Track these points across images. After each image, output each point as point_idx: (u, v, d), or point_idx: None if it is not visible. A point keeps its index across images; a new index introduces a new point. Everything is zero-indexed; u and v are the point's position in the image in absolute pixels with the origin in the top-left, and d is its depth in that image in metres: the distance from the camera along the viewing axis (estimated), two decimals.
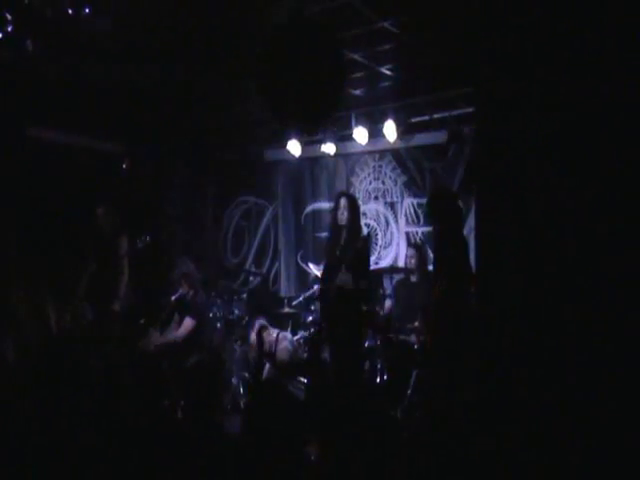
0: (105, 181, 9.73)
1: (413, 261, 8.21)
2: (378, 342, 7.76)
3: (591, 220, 4.57)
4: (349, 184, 9.96)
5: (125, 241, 8.63)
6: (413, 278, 8.23)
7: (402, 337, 7.69)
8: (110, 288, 8.44)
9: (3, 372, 6.93)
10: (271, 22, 6.17)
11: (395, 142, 8.84)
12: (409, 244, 8.92)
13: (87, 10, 5.89)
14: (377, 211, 9.68)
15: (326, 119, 6.93)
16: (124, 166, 10.09)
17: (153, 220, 10.26)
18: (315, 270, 8.56)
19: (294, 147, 9.66)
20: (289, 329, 9.03)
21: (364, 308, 7.37)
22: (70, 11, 5.87)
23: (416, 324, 7.53)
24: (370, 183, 9.76)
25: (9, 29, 5.91)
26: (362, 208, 9.18)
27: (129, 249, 8.62)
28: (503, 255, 5.09)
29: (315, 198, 10.43)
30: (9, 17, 5.94)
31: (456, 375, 6.19)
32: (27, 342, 7.52)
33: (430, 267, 8.23)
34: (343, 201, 7.19)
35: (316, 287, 8.58)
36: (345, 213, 7.15)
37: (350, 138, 9.06)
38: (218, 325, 9.02)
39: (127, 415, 4.70)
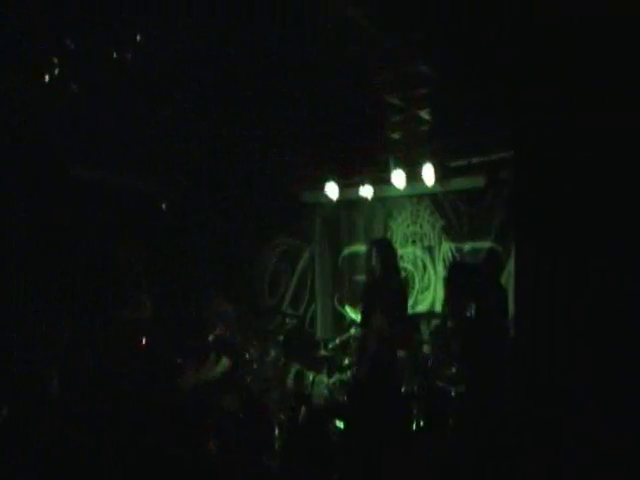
0: (140, 222, 9.83)
1: (450, 306, 8.15)
2: (415, 388, 7.69)
3: (630, 264, 4.54)
4: (387, 228, 9.95)
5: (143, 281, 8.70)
6: (450, 323, 8.15)
7: (439, 384, 7.60)
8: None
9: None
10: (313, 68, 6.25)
11: (433, 186, 8.83)
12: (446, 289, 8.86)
13: (131, 54, 6.02)
14: (415, 255, 9.65)
15: (365, 161, 6.98)
16: (163, 207, 10.20)
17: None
18: (352, 313, 8.54)
19: (332, 190, 9.69)
20: (325, 372, 8.98)
21: (400, 353, 7.34)
22: (115, 54, 6.00)
23: (454, 370, 7.45)
24: (408, 227, 9.75)
25: (55, 72, 6.05)
26: (399, 252, 9.16)
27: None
28: (543, 303, 5.07)
29: (352, 241, 10.44)
30: (55, 61, 6.09)
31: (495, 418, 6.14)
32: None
33: (468, 313, 8.18)
34: (375, 251, 7.20)
35: (352, 331, 8.55)
36: (377, 262, 7.15)
37: (388, 181, 9.07)
38: (254, 366, 8.99)
39: (167, 452, 4.71)
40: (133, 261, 8.72)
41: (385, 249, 7.28)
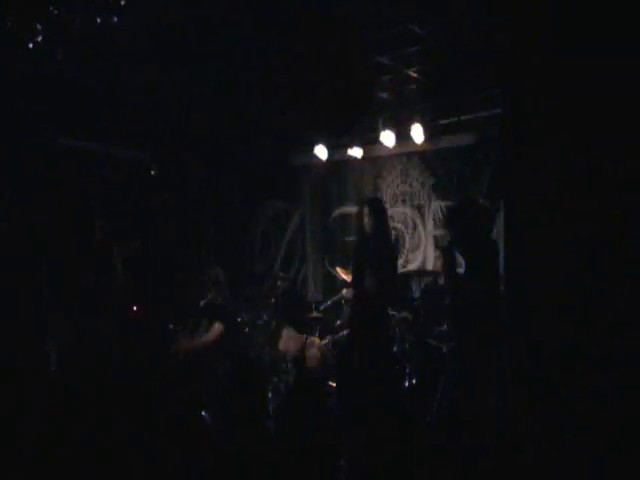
0: (126, 188, 9.80)
1: (439, 264, 8.17)
2: (407, 346, 7.72)
3: (621, 221, 4.53)
4: (376, 187, 9.93)
5: (115, 250, 8.72)
6: (441, 281, 8.17)
7: (430, 341, 7.64)
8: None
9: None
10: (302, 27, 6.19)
11: (422, 145, 8.82)
12: (437, 247, 8.88)
13: (116, 19, 5.94)
14: (404, 214, 9.64)
15: (354, 122, 6.93)
16: (152, 172, 10.15)
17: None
18: (342, 274, 8.54)
19: (321, 151, 9.66)
20: (317, 334, 9.01)
21: (392, 312, 7.35)
22: (98, 19, 5.92)
23: (445, 327, 7.49)
24: (397, 186, 9.73)
25: (39, 39, 5.97)
26: (389, 211, 9.15)
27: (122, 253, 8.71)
28: (532, 258, 5.06)
29: (342, 202, 10.42)
30: (39, 27, 6.00)
31: (484, 378, 6.16)
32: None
33: (458, 270, 8.20)
34: (366, 210, 7.15)
35: (344, 291, 8.56)
36: (369, 221, 7.11)
37: (377, 141, 9.04)
38: (246, 330, 9.01)
39: (160, 421, 4.71)
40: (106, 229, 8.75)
41: (375, 208, 7.25)
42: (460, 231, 6.62)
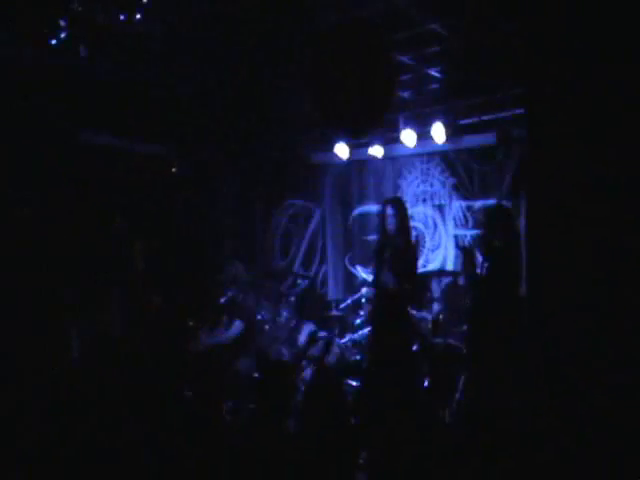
0: (148, 184, 9.86)
1: (460, 264, 8.17)
2: (427, 345, 7.73)
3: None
4: (396, 187, 9.92)
5: (139, 244, 8.76)
6: (460, 281, 8.16)
7: (450, 341, 7.64)
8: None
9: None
10: (323, 25, 6.21)
11: (443, 144, 8.80)
12: (457, 247, 8.87)
13: (139, 15, 5.98)
14: (425, 214, 9.63)
15: (376, 122, 6.93)
16: (173, 169, 10.20)
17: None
18: (363, 273, 8.57)
19: (342, 150, 9.67)
20: (337, 332, 9.03)
21: (412, 312, 7.36)
22: (122, 16, 5.96)
23: (465, 327, 7.48)
24: (418, 186, 9.71)
25: (63, 36, 6.02)
26: (410, 211, 9.15)
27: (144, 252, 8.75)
28: (553, 257, 5.06)
29: (362, 201, 10.42)
30: (62, 24, 6.05)
31: (504, 378, 6.16)
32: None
33: (478, 270, 8.19)
34: (390, 209, 7.14)
35: (364, 290, 8.57)
36: (392, 221, 7.11)
37: (398, 141, 9.03)
38: (266, 327, 9.05)
39: (178, 418, 4.74)
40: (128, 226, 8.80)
41: (397, 208, 7.25)
42: (499, 233, 6.62)
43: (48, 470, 4.09)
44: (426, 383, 7.54)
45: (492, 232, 6.75)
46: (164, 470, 4.05)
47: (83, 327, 8.10)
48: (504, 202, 8.36)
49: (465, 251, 8.36)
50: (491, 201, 8.70)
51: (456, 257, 8.44)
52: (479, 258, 8.45)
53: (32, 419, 4.92)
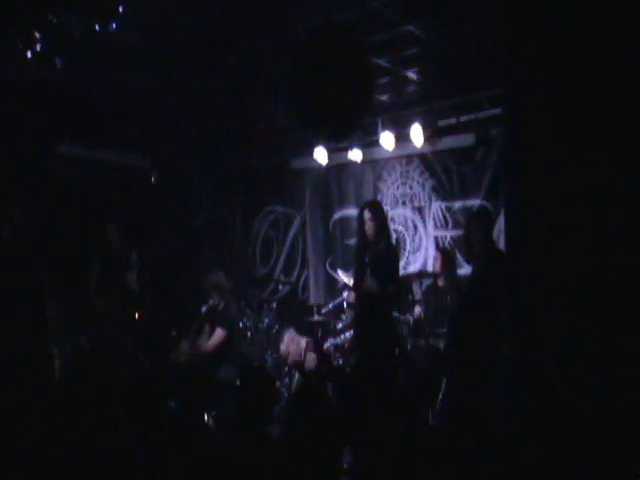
0: (128, 195, 9.82)
1: (438, 265, 8.18)
2: (409, 348, 7.73)
3: (622, 222, 4.53)
4: (376, 190, 9.92)
5: (134, 254, 8.71)
6: (440, 282, 8.17)
7: (432, 342, 7.64)
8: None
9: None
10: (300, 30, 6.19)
11: (422, 146, 8.81)
12: (437, 248, 8.89)
13: (114, 25, 5.94)
14: (405, 216, 9.63)
15: (355, 126, 6.92)
16: (152, 180, 10.16)
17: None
18: (344, 277, 8.54)
19: (321, 155, 9.66)
20: (319, 337, 9.01)
21: (394, 314, 7.35)
22: (97, 27, 5.92)
23: (446, 329, 7.48)
24: (398, 188, 9.72)
25: (38, 48, 5.97)
26: (390, 214, 9.16)
27: (138, 262, 8.69)
28: (533, 257, 5.06)
29: (342, 205, 10.41)
30: (38, 36, 6.00)
31: (486, 379, 6.17)
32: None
33: (458, 271, 8.21)
34: (367, 213, 7.14)
35: (345, 294, 8.55)
36: (371, 224, 7.11)
37: (377, 144, 9.05)
38: (248, 335, 9.01)
39: (161, 425, 4.70)
40: (121, 234, 8.73)
41: (375, 211, 7.25)
42: (480, 235, 6.62)
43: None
44: (409, 385, 7.54)
45: (474, 234, 6.74)
46: (146, 476, 4.02)
47: (67, 341, 8.04)
48: (485, 203, 8.40)
49: (444, 252, 8.39)
50: (471, 202, 8.72)
51: (434, 258, 8.45)
52: (459, 259, 8.52)
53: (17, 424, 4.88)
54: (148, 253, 9.01)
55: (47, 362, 7.42)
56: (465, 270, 8.22)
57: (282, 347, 8.75)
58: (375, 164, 9.94)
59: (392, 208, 9.61)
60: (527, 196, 5.18)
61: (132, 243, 8.83)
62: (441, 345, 7.52)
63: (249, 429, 4.38)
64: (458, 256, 8.62)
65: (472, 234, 6.67)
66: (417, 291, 8.68)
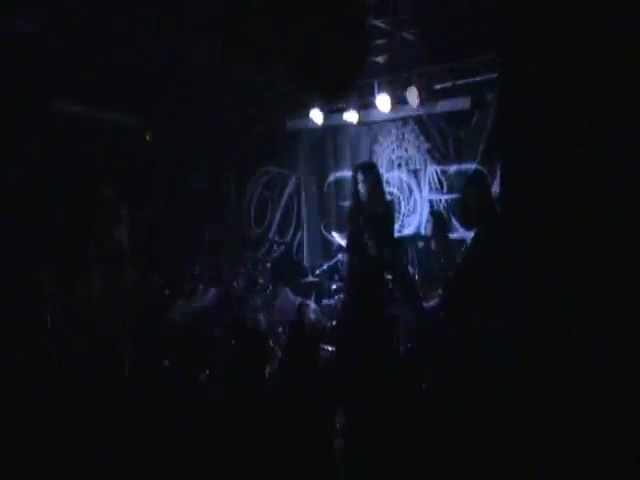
0: (125, 154, 9.82)
1: (429, 228, 8.22)
2: (402, 310, 7.78)
3: (612, 180, 4.57)
4: (372, 152, 9.91)
5: (124, 211, 8.74)
6: (432, 245, 8.20)
7: (425, 304, 7.69)
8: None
9: None
10: None
11: (418, 109, 8.80)
12: (430, 212, 8.92)
13: None
14: (400, 179, 9.63)
15: (350, 87, 6.91)
16: (147, 139, 10.15)
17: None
18: (339, 239, 8.57)
19: (316, 116, 9.64)
20: (313, 298, 9.06)
21: (388, 276, 7.39)
22: None
23: (439, 291, 7.52)
24: (393, 151, 9.71)
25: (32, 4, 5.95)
26: (385, 176, 9.14)
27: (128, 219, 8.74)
28: (528, 219, 5.10)
29: (338, 167, 10.39)
30: None
31: (480, 341, 6.22)
32: None
33: (450, 235, 8.23)
34: (361, 175, 7.16)
35: (340, 256, 8.59)
36: (365, 186, 7.12)
37: (373, 106, 9.03)
38: (242, 295, 9.07)
39: (156, 386, 4.76)
40: (114, 193, 8.76)
41: (370, 173, 7.25)
42: (477, 201, 6.62)
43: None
44: (401, 347, 7.60)
45: (471, 201, 6.75)
46: (145, 439, 4.07)
47: (64, 301, 8.08)
48: (479, 167, 8.40)
49: (435, 216, 8.41)
50: (466, 166, 8.72)
51: (427, 221, 8.48)
52: (454, 223, 8.54)
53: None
54: (140, 211, 9.02)
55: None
56: (459, 234, 8.26)
57: (276, 306, 8.80)
58: (371, 126, 9.91)
59: (387, 171, 9.60)
60: (521, 159, 5.22)
61: (123, 200, 8.87)
62: (432, 306, 7.57)
63: (242, 387, 4.44)
64: (453, 220, 8.65)
65: (469, 200, 6.69)
66: (412, 254, 8.72)
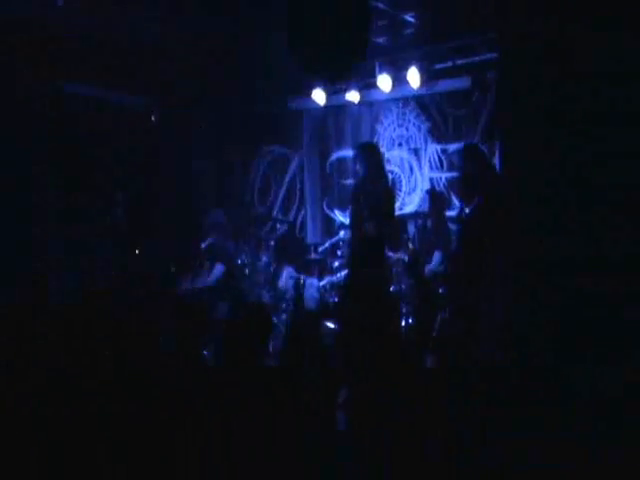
0: (130, 135, 9.93)
1: (427, 206, 8.31)
2: (402, 286, 7.90)
3: (607, 159, 4.70)
4: (373, 132, 9.99)
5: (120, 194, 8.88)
6: (429, 223, 8.31)
7: (428, 282, 7.81)
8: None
9: None
10: None
11: (419, 89, 8.91)
12: (427, 191, 9.00)
13: None
14: (401, 158, 9.72)
15: (352, 66, 6.99)
16: (152, 119, 10.23)
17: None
18: (341, 217, 8.68)
19: (319, 96, 9.75)
20: (316, 275, 9.18)
21: (388, 253, 7.50)
22: None
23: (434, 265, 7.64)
24: (394, 130, 9.80)
25: None
26: (386, 155, 9.23)
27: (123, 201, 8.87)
28: (528, 196, 5.22)
29: (340, 146, 10.48)
30: None
31: (480, 315, 6.34)
32: None
33: (448, 212, 8.32)
34: (363, 154, 7.29)
35: (342, 233, 8.70)
36: (366, 165, 7.24)
37: (374, 86, 9.16)
38: (246, 272, 9.19)
39: (160, 361, 4.83)
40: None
41: (371, 152, 7.37)
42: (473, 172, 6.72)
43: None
44: (404, 322, 7.72)
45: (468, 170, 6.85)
46: (148, 414, 4.12)
47: (67, 278, 8.22)
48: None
49: (433, 194, 8.50)
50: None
51: (423, 200, 8.60)
52: (454, 201, 8.63)
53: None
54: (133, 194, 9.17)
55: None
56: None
57: (280, 283, 8.92)
58: (372, 106, 9.99)
59: (388, 149, 9.69)
60: (520, 137, 5.34)
61: (118, 182, 9.02)
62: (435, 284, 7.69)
63: (244, 361, 4.52)
64: (453, 198, 8.75)
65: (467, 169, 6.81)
66: (412, 231, 8.85)
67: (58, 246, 8.54)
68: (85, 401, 4.03)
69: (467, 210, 6.84)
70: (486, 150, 8.32)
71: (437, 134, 9.27)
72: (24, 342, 4.99)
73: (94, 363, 4.50)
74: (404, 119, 9.65)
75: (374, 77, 9.01)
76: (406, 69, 8.61)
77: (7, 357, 4.52)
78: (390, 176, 9.03)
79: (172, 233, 9.84)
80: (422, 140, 9.46)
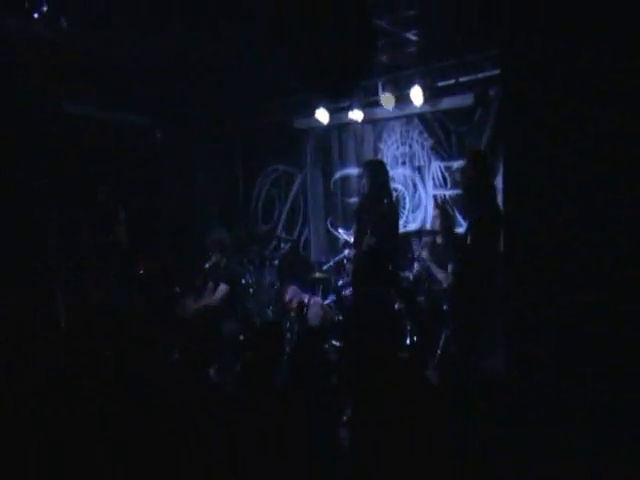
0: (132, 154, 9.96)
1: (437, 222, 8.29)
2: (406, 304, 7.87)
3: (616, 176, 4.69)
4: (377, 150, 10.01)
5: (121, 211, 8.89)
6: (439, 240, 8.29)
7: (431, 299, 7.78)
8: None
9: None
10: None
11: (422, 107, 8.93)
12: (435, 206, 8.99)
13: None
14: (405, 176, 9.73)
15: (355, 86, 7.01)
16: (158, 135, 10.27)
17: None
18: (345, 235, 8.68)
19: (322, 115, 9.78)
20: (320, 293, 9.17)
21: (390, 269, 7.48)
22: None
23: (444, 285, 7.61)
24: (397, 148, 9.81)
25: (44, 8, 6.06)
26: (390, 173, 9.24)
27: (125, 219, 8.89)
28: (531, 214, 5.21)
29: (343, 164, 10.51)
30: None
31: (486, 334, 6.31)
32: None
33: (456, 229, 8.31)
34: (369, 172, 7.31)
35: (346, 252, 8.69)
36: (371, 183, 7.25)
37: (377, 104, 9.19)
38: (250, 291, 9.18)
39: (168, 380, 4.82)
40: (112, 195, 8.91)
41: (377, 170, 7.37)
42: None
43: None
44: (408, 340, 7.69)
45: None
46: (154, 432, 4.12)
47: (69, 297, 8.21)
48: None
49: (442, 210, 8.49)
50: None
51: (434, 217, 8.58)
52: (457, 217, 8.63)
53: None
54: (135, 213, 9.18)
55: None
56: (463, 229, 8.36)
57: (286, 299, 8.90)
58: (375, 124, 10.02)
59: (392, 167, 9.67)
60: (524, 152, 5.33)
61: (120, 200, 9.02)
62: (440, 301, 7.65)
63: (253, 380, 4.52)
64: (457, 215, 8.75)
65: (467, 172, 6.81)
66: (417, 249, 8.82)
67: (59, 262, 8.55)
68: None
69: (467, 224, 6.85)
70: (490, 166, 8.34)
71: (440, 151, 9.28)
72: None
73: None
74: (407, 137, 9.66)
75: (377, 95, 9.03)
76: (409, 87, 8.64)
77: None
78: (394, 194, 9.04)
79: (174, 251, 9.85)
80: (425, 157, 9.46)
